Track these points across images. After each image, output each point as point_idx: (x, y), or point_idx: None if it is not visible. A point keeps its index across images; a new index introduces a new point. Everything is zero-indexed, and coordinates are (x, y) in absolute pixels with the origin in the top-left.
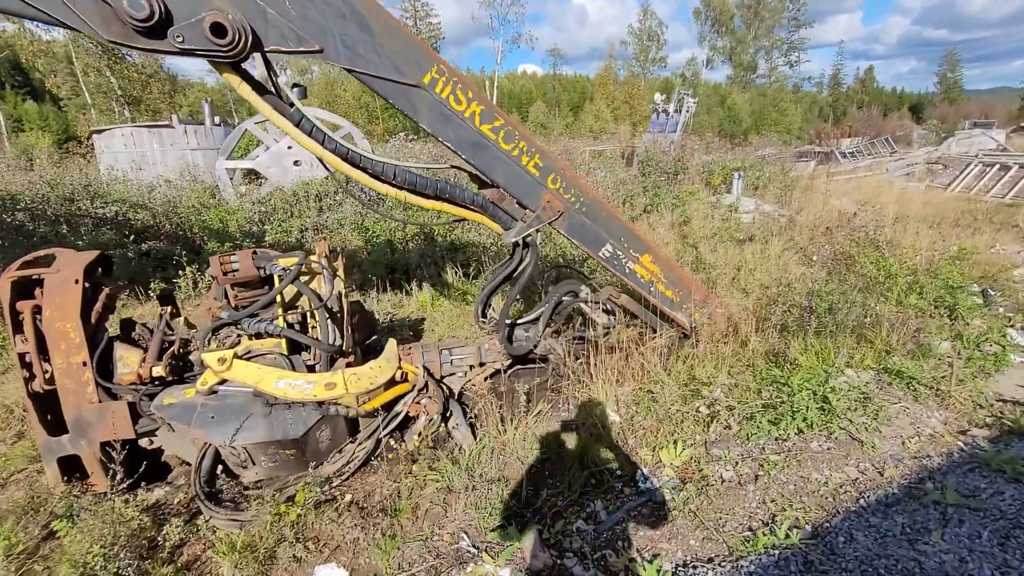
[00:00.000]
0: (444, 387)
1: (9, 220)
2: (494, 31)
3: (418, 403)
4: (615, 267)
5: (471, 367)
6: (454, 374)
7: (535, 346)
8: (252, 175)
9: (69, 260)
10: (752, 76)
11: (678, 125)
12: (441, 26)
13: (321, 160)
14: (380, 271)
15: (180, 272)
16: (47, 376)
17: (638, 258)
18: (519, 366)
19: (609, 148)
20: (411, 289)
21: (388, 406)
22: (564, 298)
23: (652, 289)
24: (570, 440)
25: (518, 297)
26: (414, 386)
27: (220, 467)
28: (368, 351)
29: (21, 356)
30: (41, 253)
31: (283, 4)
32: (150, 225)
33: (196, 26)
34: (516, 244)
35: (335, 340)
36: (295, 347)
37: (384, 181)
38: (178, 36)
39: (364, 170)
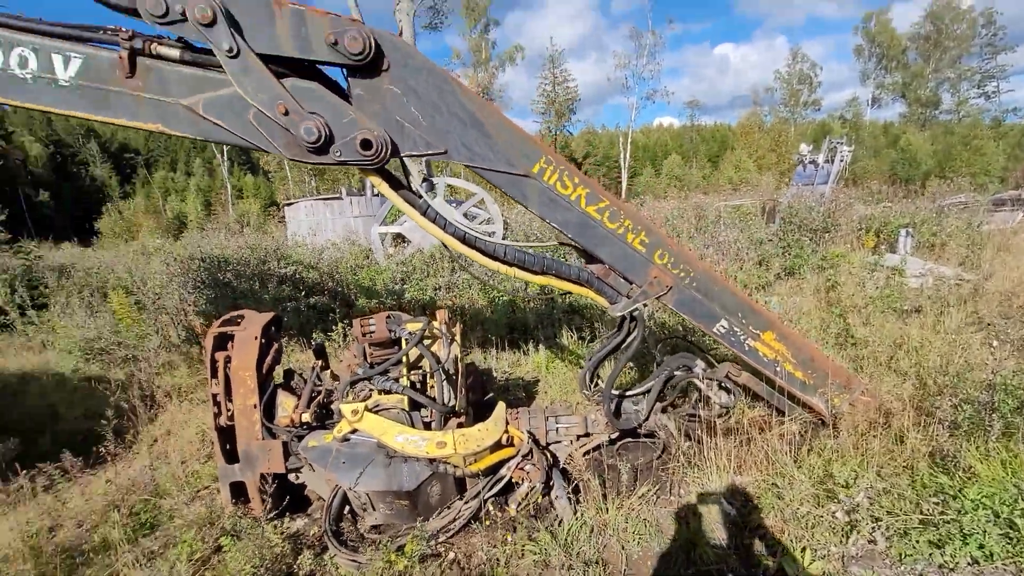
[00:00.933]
0: (548, 455)
1: (221, 278)
2: (629, 89)
3: (521, 469)
4: (732, 344)
5: (576, 437)
6: (559, 442)
7: (643, 421)
8: (400, 238)
9: (252, 320)
10: (933, 112)
11: (829, 176)
12: (578, 89)
13: (443, 243)
14: (501, 330)
15: (334, 326)
16: (229, 414)
17: (759, 335)
18: (626, 440)
19: (748, 202)
20: (528, 350)
21: (493, 469)
22: (677, 372)
23: (777, 369)
24: (677, 530)
25: (627, 367)
26: (518, 451)
27: (347, 508)
28: (482, 407)
29: (213, 396)
30: (235, 313)
31: (416, 118)
32: (317, 282)
33: (350, 143)
34: (623, 317)
35: (449, 400)
36: (416, 404)
37: (496, 259)
38: (337, 152)
39: (479, 250)
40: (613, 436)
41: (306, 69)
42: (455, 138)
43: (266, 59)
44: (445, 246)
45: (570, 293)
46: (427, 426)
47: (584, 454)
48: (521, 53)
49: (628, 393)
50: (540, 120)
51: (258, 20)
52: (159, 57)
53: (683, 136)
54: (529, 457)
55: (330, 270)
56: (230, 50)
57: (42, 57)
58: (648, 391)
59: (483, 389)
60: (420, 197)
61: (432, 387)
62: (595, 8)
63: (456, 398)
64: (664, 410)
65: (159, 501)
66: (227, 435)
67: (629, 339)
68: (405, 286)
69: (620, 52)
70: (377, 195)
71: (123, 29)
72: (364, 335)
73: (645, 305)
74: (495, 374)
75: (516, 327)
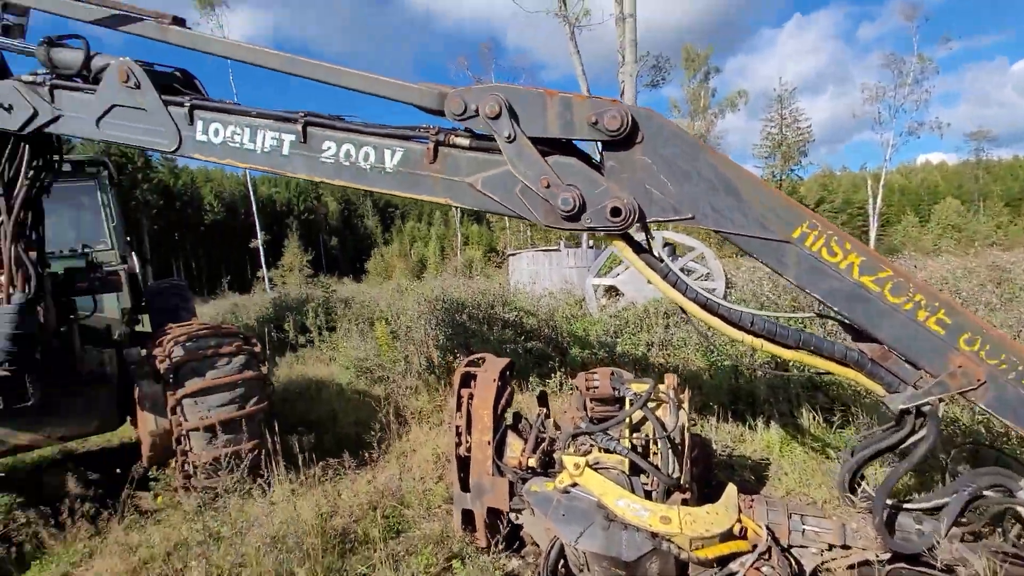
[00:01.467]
0: (791, 561)
1: (457, 319)
2: (883, 124)
3: (758, 569)
4: None
5: (830, 547)
6: (805, 547)
7: (932, 547)
8: (613, 291)
9: (492, 363)
10: None
11: None
12: (811, 128)
13: (681, 308)
14: (721, 397)
15: (552, 373)
16: (467, 446)
17: None
18: (903, 565)
19: None
20: (756, 425)
21: (722, 561)
22: (987, 492)
23: None
24: None
25: (906, 474)
26: (754, 547)
27: (562, 562)
28: (705, 484)
29: (456, 428)
30: (477, 356)
31: (665, 185)
32: (535, 328)
33: (601, 211)
34: (907, 411)
35: (674, 471)
36: (637, 469)
37: (742, 329)
38: (588, 219)
39: (722, 317)
40: (884, 557)
41: (563, 145)
42: (704, 203)
43: (534, 141)
44: (684, 311)
45: (827, 372)
46: (648, 495)
47: (847, 567)
48: (744, 98)
49: (909, 507)
50: (763, 165)
51: (532, 109)
52: (454, 146)
53: (962, 175)
54: (767, 557)
55: (547, 317)
56: (509, 136)
57: (378, 152)
58: (941, 508)
59: (709, 465)
60: (661, 261)
61: (655, 454)
62: (836, 37)
63: (681, 471)
64: (963, 538)
65: (404, 510)
66: (463, 464)
67: (915, 439)
68: (617, 339)
69: (872, 84)
70: (592, 247)
71: (431, 127)
72: (588, 389)
73: (941, 400)
74: (715, 447)
75: (741, 396)
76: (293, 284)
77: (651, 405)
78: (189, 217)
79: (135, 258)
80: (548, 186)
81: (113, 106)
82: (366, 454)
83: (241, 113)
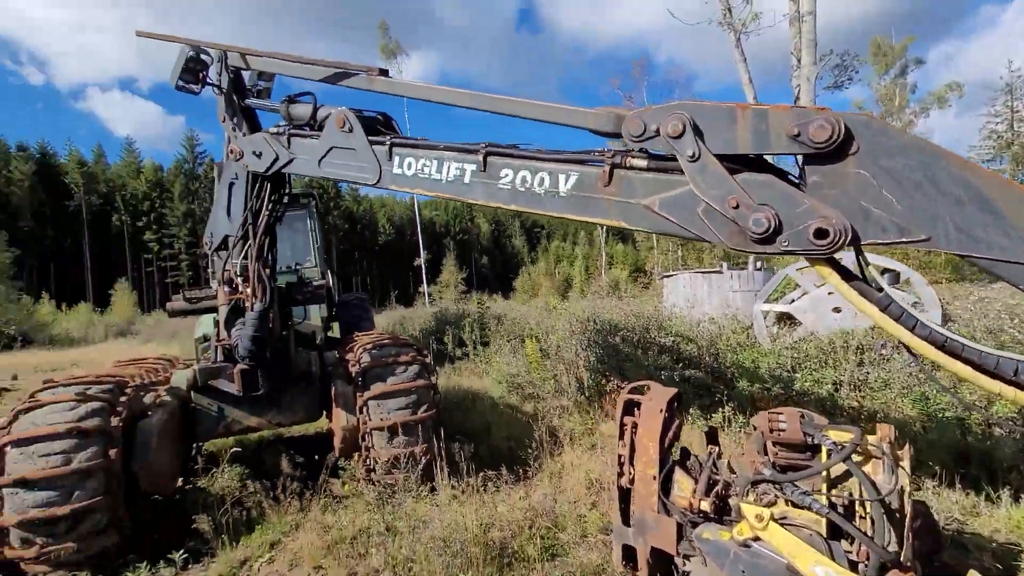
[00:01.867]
0: None
1: (611, 341)
2: None
3: None
4: None
5: None
6: None
7: None
8: (786, 318)
9: (658, 393)
10: None
11: None
12: None
13: (907, 347)
14: (943, 457)
15: (718, 407)
16: (630, 477)
17: None
18: None
19: None
20: (997, 497)
21: None
22: None
23: None
24: None
25: None
26: None
27: None
28: (924, 562)
29: (619, 457)
30: (641, 383)
31: (889, 202)
32: (695, 356)
33: (801, 232)
34: None
35: (890, 543)
36: (837, 532)
37: (998, 377)
38: (784, 241)
39: (967, 361)
40: None
41: (752, 161)
42: (945, 222)
43: (720, 158)
44: (910, 352)
45: None
46: (852, 566)
47: None
48: (958, 91)
49: None
50: None
51: (719, 125)
52: (630, 167)
53: None
54: None
55: (708, 345)
56: (692, 155)
57: (552, 177)
58: None
59: (937, 542)
60: (880, 290)
61: (862, 518)
62: None
63: (901, 544)
64: None
65: (558, 532)
66: (625, 496)
67: None
68: (795, 374)
69: None
70: (760, 269)
71: (607, 150)
72: (771, 431)
73: None
74: (937, 518)
75: (972, 457)
76: (449, 299)
77: (856, 458)
78: (366, 239)
79: (330, 275)
80: (737, 206)
81: (332, 148)
82: (520, 469)
83: (430, 147)
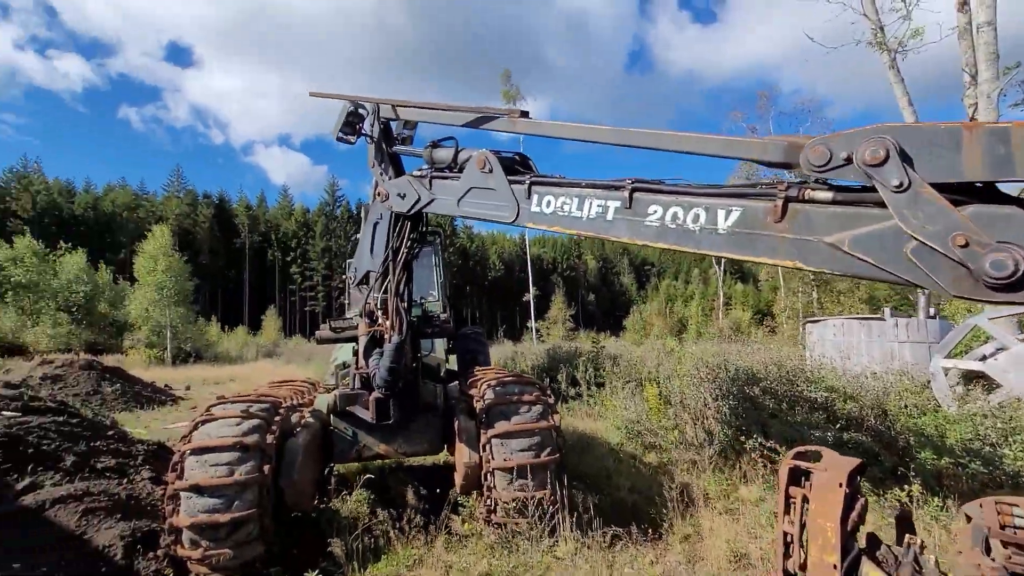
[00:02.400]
0: None
1: (749, 392)
2: None
3: None
4: None
5: None
6: None
7: None
8: (979, 378)
9: (834, 462)
10: None
11: None
12: None
13: None
14: None
15: (901, 484)
16: (800, 563)
17: None
18: None
19: None
20: None
21: None
22: None
23: None
24: None
25: None
26: None
27: None
28: None
29: (784, 536)
30: (811, 448)
31: None
32: (855, 416)
33: None
34: None
35: None
36: None
37: None
38: None
39: None
40: None
41: (978, 191)
42: None
43: (935, 188)
44: None
45: None
46: None
47: None
48: None
49: None
50: None
51: (938, 150)
52: (810, 200)
53: None
54: None
55: (873, 404)
56: (899, 185)
57: (710, 213)
58: None
59: None
60: None
61: None
62: None
63: None
64: None
65: None
66: None
67: None
68: (1003, 449)
69: None
70: (934, 317)
71: (781, 181)
72: (1002, 527)
73: None
74: None
75: None
76: (557, 336)
77: None
78: (477, 274)
79: (449, 308)
80: (966, 244)
81: (471, 188)
82: (647, 528)
83: (571, 185)
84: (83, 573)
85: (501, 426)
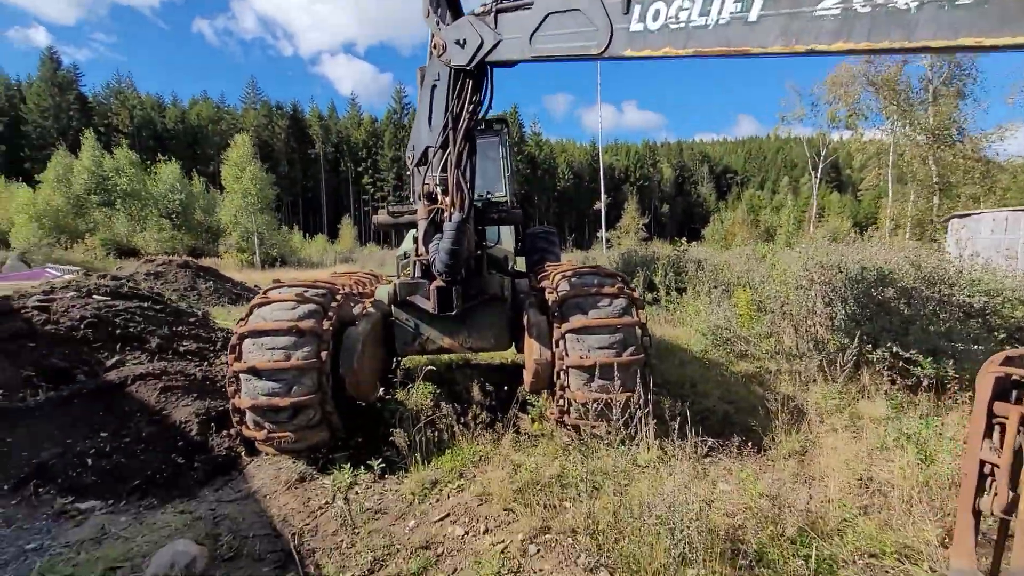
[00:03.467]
0: None
1: (878, 295)
2: None
3: None
4: None
5: None
6: None
7: None
8: None
9: None
10: None
11: None
12: None
13: None
14: None
15: None
16: (1004, 504)
17: None
18: None
19: None
20: None
21: None
22: None
23: None
24: None
25: None
26: None
27: None
28: None
29: (981, 465)
30: (1018, 352)
31: None
32: None
33: None
34: None
35: None
36: None
37: None
38: None
39: None
40: None
41: None
42: None
43: None
44: None
45: None
46: None
47: None
48: None
49: None
50: None
51: None
52: None
53: None
54: None
55: None
56: None
57: None
58: None
59: None
60: None
61: None
62: None
63: None
64: None
65: (820, 542)
66: (979, 522)
67: None
68: None
69: None
70: None
71: None
72: None
73: None
74: None
75: None
76: (627, 245)
77: None
78: (546, 183)
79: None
80: None
81: (548, 14)
82: (748, 442)
83: None
84: (162, 446)
85: (577, 320)
